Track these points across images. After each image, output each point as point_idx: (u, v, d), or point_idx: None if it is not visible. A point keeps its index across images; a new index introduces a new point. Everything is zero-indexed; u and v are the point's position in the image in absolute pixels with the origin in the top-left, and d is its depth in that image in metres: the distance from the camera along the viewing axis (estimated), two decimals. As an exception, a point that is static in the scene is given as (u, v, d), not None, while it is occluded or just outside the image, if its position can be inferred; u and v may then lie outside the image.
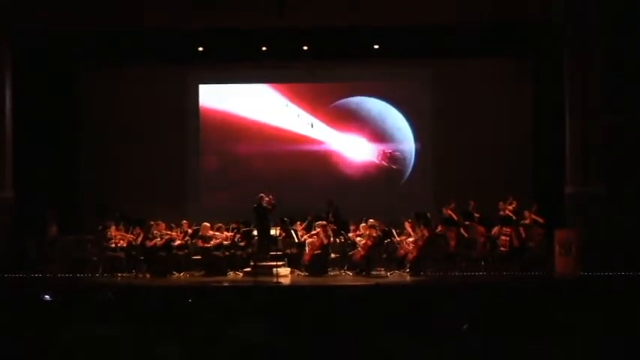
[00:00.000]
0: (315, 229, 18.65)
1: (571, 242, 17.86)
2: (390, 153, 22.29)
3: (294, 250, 18.76)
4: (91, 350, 8.28)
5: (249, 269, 18.13)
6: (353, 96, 22.25)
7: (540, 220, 18.36)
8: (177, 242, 18.58)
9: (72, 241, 19.08)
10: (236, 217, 19.43)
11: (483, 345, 8.33)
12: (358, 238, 18.52)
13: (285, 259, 18.61)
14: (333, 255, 18.70)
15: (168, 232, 18.65)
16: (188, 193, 22.26)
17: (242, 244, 18.80)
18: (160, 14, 19.22)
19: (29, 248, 18.92)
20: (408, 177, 22.27)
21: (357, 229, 18.76)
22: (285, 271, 18.18)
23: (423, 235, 18.15)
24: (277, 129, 22.37)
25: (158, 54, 20.97)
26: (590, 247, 17.84)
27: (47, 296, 10.94)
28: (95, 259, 18.61)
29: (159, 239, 18.44)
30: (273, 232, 18.59)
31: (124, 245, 18.67)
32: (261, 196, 18.37)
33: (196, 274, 18.48)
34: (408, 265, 18.21)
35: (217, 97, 22.47)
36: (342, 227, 19.22)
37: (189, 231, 18.81)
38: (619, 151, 19.00)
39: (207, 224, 18.76)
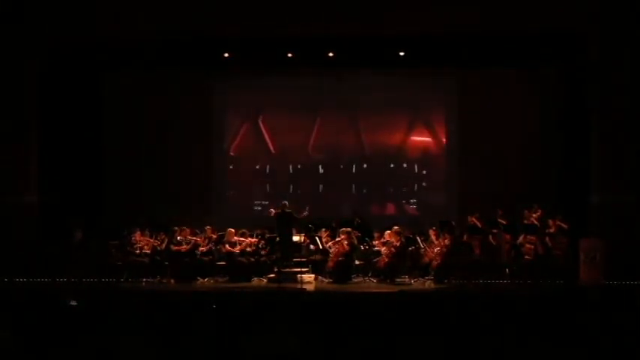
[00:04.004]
0: (339, 236, 18.65)
1: (595, 251, 17.77)
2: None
3: (318, 257, 18.78)
4: (115, 355, 8.32)
5: (273, 275, 18.17)
6: (378, 104, 22.15)
7: (565, 225, 18.26)
8: (202, 248, 18.65)
9: (96, 246, 19.12)
10: (261, 223, 19.50)
11: (506, 352, 8.32)
12: (383, 248, 18.47)
13: (310, 265, 18.63)
14: (357, 262, 18.70)
15: (193, 238, 18.70)
16: (212, 199, 22.25)
17: (264, 251, 18.83)
18: (187, 21, 19.31)
19: (54, 253, 18.96)
20: (434, 185, 22.22)
21: (382, 236, 18.71)
22: (309, 277, 18.20)
23: (447, 242, 18.10)
24: (304, 135, 22.37)
25: (184, 60, 21.01)
26: (615, 255, 17.73)
27: (72, 302, 11.00)
28: (120, 264, 18.66)
29: (185, 245, 18.51)
30: (296, 238, 18.63)
31: (148, 251, 18.74)
32: (284, 203, 18.48)
33: (220, 279, 18.54)
34: (432, 273, 18.18)
35: (243, 104, 22.46)
36: (366, 234, 19.21)
37: (214, 237, 18.88)
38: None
39: (232, 230, 18.82)
